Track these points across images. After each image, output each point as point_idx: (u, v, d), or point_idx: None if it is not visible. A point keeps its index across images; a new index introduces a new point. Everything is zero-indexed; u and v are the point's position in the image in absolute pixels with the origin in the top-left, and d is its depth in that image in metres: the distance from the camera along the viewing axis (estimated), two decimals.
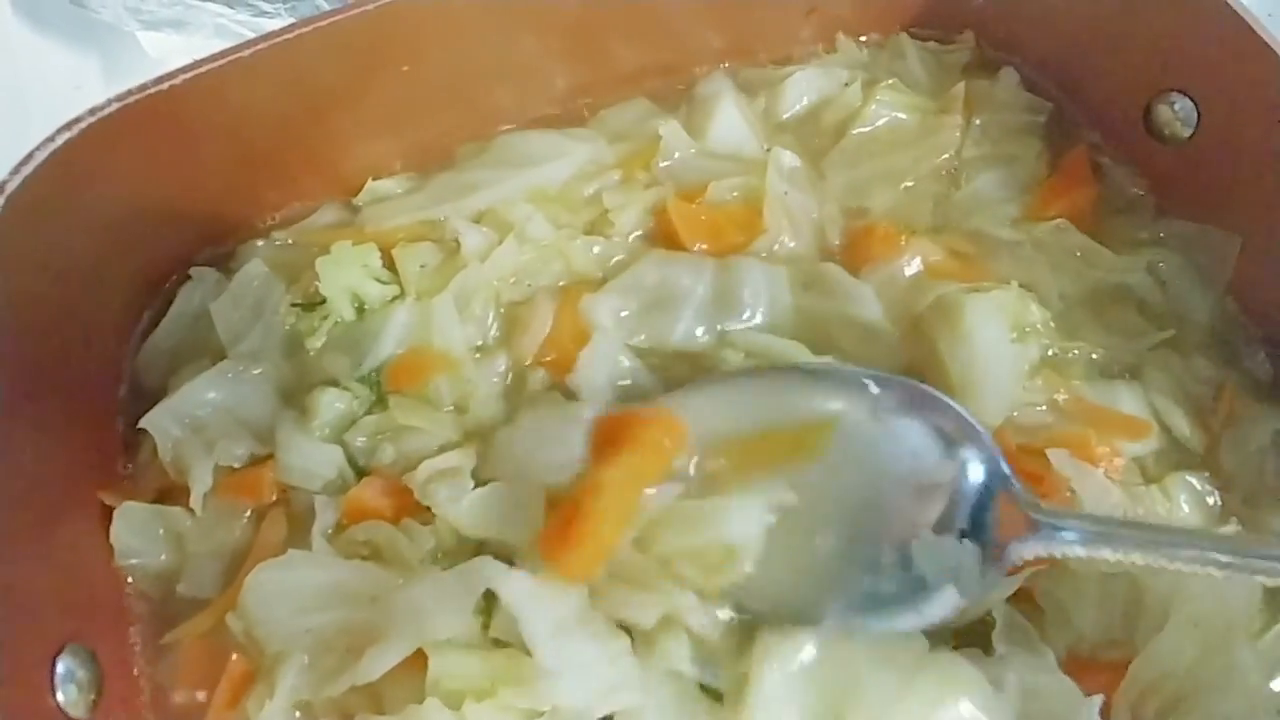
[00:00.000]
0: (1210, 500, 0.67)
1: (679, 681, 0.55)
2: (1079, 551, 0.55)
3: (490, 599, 0.55)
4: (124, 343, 0.71)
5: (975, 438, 0.60)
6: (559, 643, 0.53)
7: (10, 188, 0.56)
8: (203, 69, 0.62)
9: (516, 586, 0.54)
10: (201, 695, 0.61)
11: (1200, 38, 0.71)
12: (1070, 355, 0.72)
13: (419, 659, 0.55)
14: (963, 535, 0.57)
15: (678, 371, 0.69)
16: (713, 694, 0.55)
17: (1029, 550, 0.56)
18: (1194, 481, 0.67)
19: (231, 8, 0.99)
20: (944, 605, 0.56)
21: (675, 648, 0.55)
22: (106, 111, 0.59)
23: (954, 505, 0.58)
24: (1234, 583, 0.60)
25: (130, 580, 0.64)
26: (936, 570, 0.56)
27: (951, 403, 0.62)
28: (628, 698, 0.53)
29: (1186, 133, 0.75)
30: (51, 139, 0.58)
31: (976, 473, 0.59)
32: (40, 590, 0.56)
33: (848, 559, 0.58)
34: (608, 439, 0.61)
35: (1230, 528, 0.65)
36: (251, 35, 0.96)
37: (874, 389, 0.62)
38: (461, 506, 0.59)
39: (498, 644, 0.55)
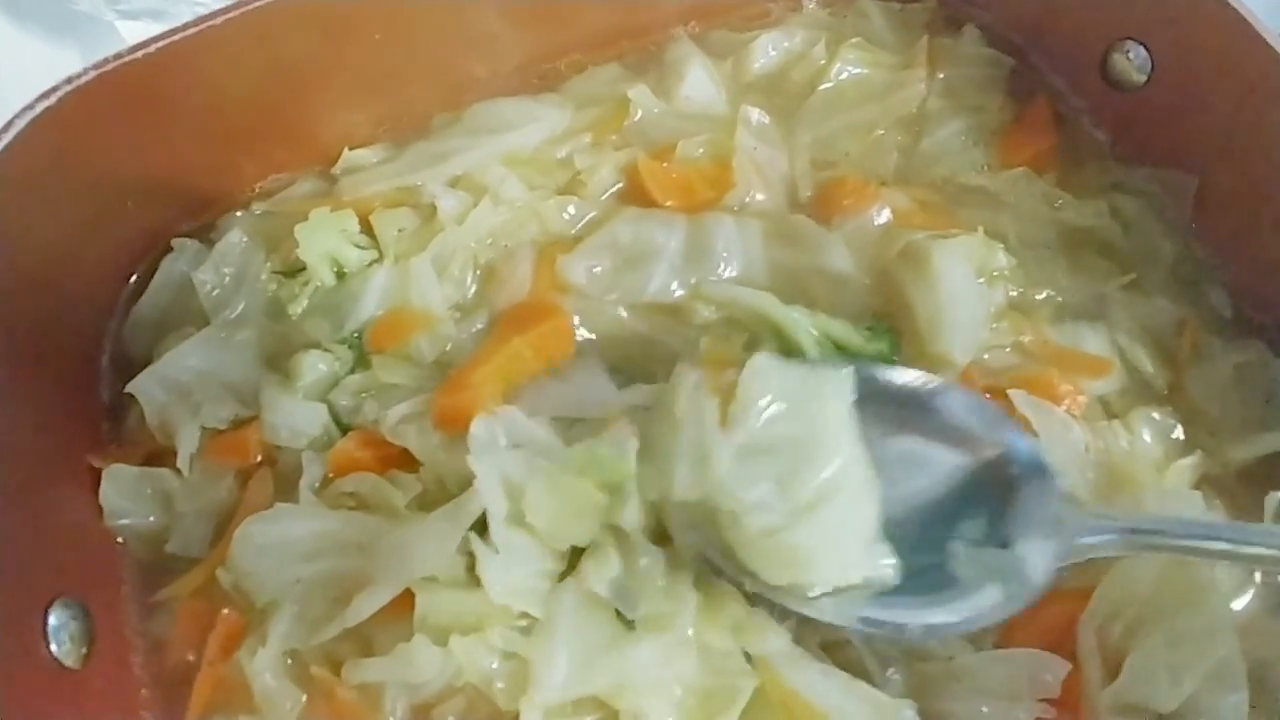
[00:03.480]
0: (1174, 434, 0.69)
1: (593, 605, 0.56)
2: (1124, 551, 0.56)
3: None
4: (106, 312, 0.72)
5: (1018, 438, 0.60)
6: (510, 531, 0.56)
7: None
8: (176, 37, 0.63)
9: (488, 480, 0.57)
10: (193, 650, 0.62)
11: None
12: (1035, 298, 0.74)
13: (406, 605, 0.56)
14: (1003, 543, 0.57)
15: (657, 325, 0.71)
16: (626, 623, 0.56)
17: (1078, 553, 0.56)
18: (1156, 416, 0.69)
19: None
20: (984, 604, 0.55)
21: (597, 570, 0.56)
22: (84, 80, 0.61)
23: (997, 506, 0.58)
24: (1192, 503, 0.63)
25: (120, 540, 0.66)
26: (977, 574, 0.56)
27: (986, 401, 0.62)
28: (533, 605, 0.55)
29: (1141, 79, 0.77)
30: (30, 107, 0.59)
31: (1019, 473, 0.58)
32: (28, 548, 0.57)
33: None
34: (510, 321, 0.69)
35: (1192, 459, 0.67)
36: None
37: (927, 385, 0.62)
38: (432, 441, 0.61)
39: (481, 582, 0.56)
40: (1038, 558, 0.55)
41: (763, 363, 0.58)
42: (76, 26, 1.03)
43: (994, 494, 0.58)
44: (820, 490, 0.55)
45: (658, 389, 0.62)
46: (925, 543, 0.57)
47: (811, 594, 0.55)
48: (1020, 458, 0.59)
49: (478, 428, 0.59)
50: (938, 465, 0.59)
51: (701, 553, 0.57)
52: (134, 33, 1.03)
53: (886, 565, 0.56)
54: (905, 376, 0.62)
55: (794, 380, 0.58)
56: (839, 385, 0.58)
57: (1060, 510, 0.57)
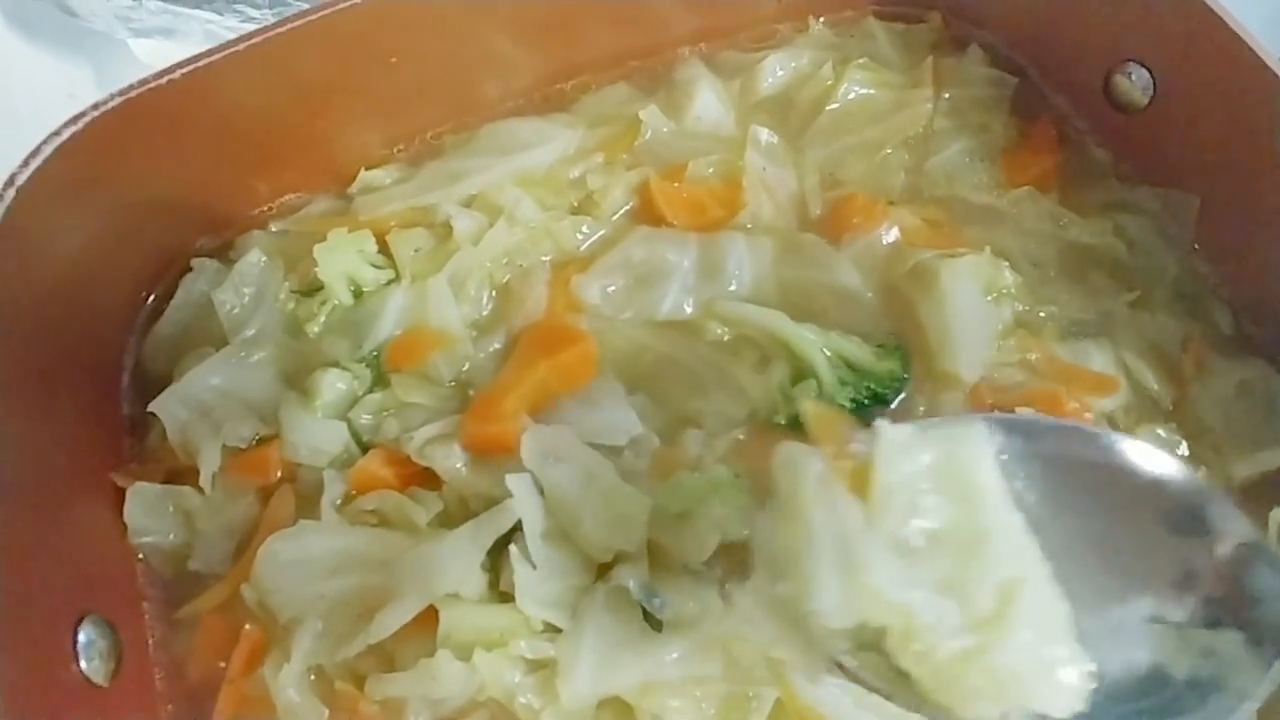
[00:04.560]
0: (1179, 450, 0.70)
1: (621, 605, 0.56)
2: None
3: (497, 556, 0.58)
4: (127, 331, 0.73)
5: (1208, 498, 0.50)
6: (546, 546, 0.56)
7: (20, 180, 0.58)
8: (200, 63, 0.64)
9: (524, 492, 0.57)
10: (217, 666, 0.63)
11: (1154, 9, 0.75)
12: (1042, 316, 0.75)
13: (429, 621, 0.57)
14: (1214, 621, 0.47)
15: (671, 342, 0.72)
16: (654, 624, 0.56)
17: None
18: (1161, 433, 0.70)
19: (220, 14, 1.01)
20: (1218, 711, 0.46)
21: (630, 570, 0.56)
22: (110, 105, 0.62)
23: (1198, 583, 0.48)
24: None
25: (142, 557, 0.66)
26: (1190, 667, 0.47)
27: (1169, 460, 0.51)
28: (561, 618, 0.56)
29: (1144, 101, 0.78)
30: (58, 133, 0.60)
31: (1225, 540, 0.48)
32: (56, 565, 0.58)
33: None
34: (532, 343, 0.68)
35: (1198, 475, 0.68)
36: None
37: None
38: (459, 463, 0.62)
39: (505, 598, 0.57)
40: (1266, 638, 0.45)
41: (895, 434, 0.46)
42: (89, 44, 1.05)
43: (1180, 565, 0.47)
44: (1003, 590, 0.44)
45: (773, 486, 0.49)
46: (1114, 640, 0.47)
47: None
48: (1209, 513, 0.48)
49: (528, 440, 0.59)
50: (1099, 534, 0.48)
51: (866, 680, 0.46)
52: (146, 50, 1.04)
53: (1089, 675, 0.44)
54: (1044, 424, 0.52)
55: (933, 447, 0.47)
56: (980, 444, 0.47)
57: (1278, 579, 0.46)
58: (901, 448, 0.46)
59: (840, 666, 0.47)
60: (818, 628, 0.45)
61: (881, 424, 0.47)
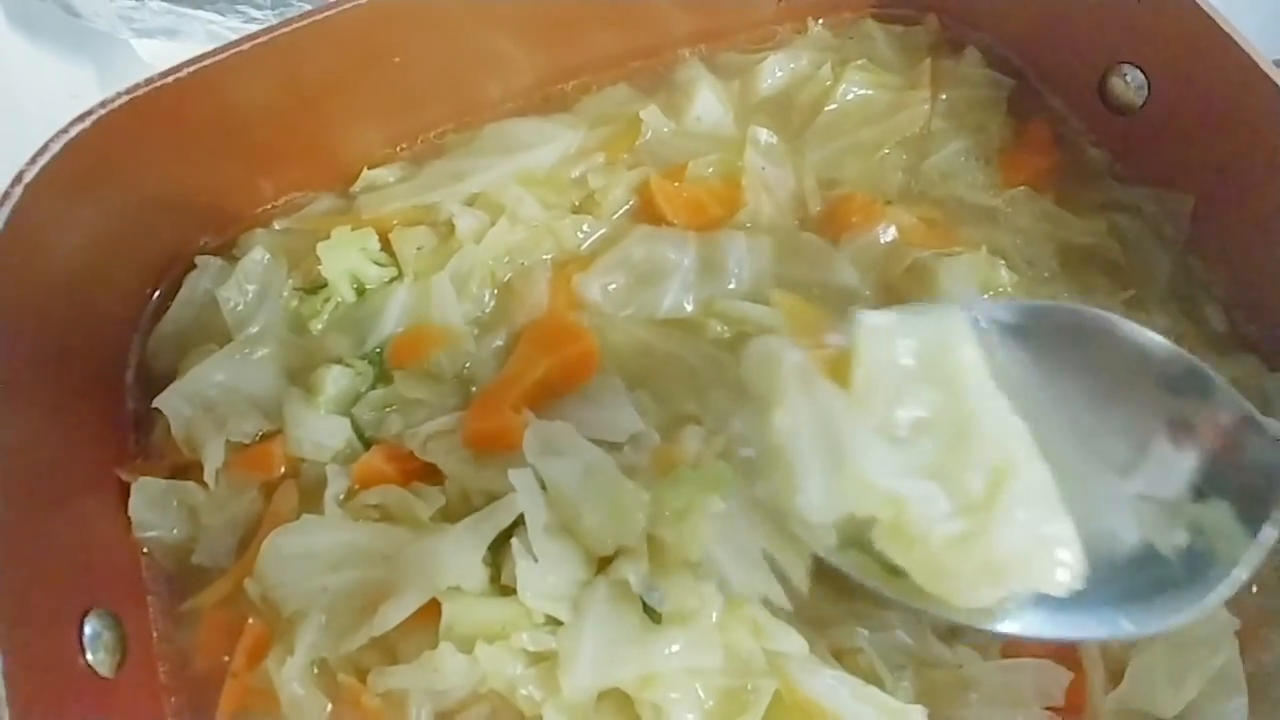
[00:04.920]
0: None
1: (621, 598, 0.56)
2: None
3: (499, 550, 0.59)
4: (132, 328, 0.74)
5: (1197, 372, 0.49)
6: (548, 540, 0.56)
7: (28, 177, 0.59)
8: (205, 63, 0.65)
9: (526, 486, 0.57)
10: (221, 660, 0.63)
11: (1149, 11, 0.75)
12: None
13: (431, 614, 0.58)
14: (1201, 494, 0.47)
15: (671, 340, 0.72)
16: (654, 616, 0.57)
17: None
18: None
19: (223, 15, 1.02)
20: (1209, 581, 0.46)
21: (630, 564, 0.56)
22: (116, 104, 0.62)
23: (1187, 458, 0.47)
24: None
25: (146, 551, 0.67)
26: (1178, 539, 0.46)
27: (1156, 337, 0.50)
28: (562, 610, 0.56)
29: (1139, 102, 0.79)
30: (65, 130, 0.61)
31: (1212, 412, 0.48)
32: (62, 558, 0.59)
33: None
34: (533, 340, 0.68)
35: None
36: None
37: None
38: (461, 459, 0.62)
39: (506, 591, 0.57)
40: (1254, 509, 0.45)
41: (875, 320, 0.45)
42: (92, 44, 1.05)
43: (1168, 440, 0.46)
44: (994, 472, 0.42)
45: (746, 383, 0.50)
46: (1104, 517, 0.46)
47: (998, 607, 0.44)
48: (1198, 387, 0.47)
49: (530, 436, 0.59)
50: (1088, 413, 0.47)
51: (860, 583, 0.46)
52: (149, 50, 1.05)
53: (1079, 554, 0.43)
54: (1031, 306, 0.50)
55: (913, 334, 0.46)
56: (961, 329, 0.46)
57: (1267, 449, 0.45)
58: (881, 335, 0.45)
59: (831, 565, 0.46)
60: (803, 525, 0.44)
61: (860, 312, 0.45)
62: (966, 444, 0.43)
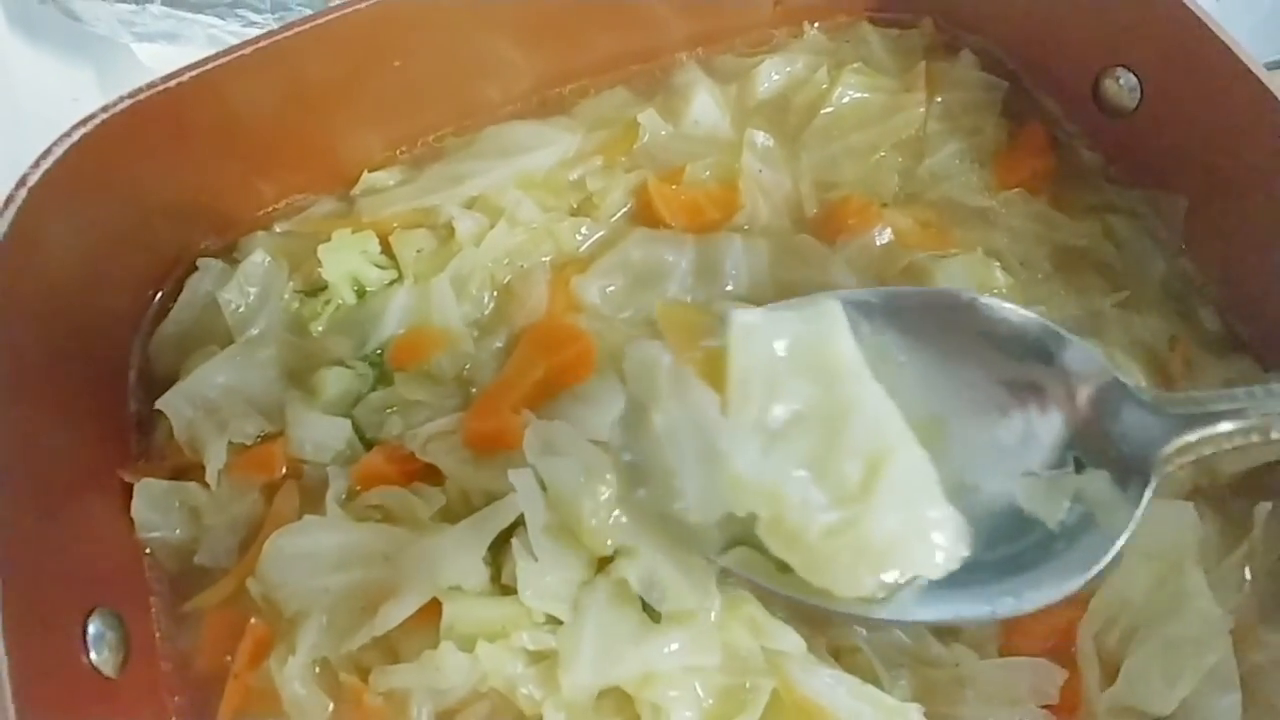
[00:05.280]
0: None
1: (621, 597, 0.56)
2: (1238, 439, 0.47)
3: (499, 550, 0.59)
4: (133, 330, 0.74)
5: (1066, 344, 0.49)
6: (547, 539, 0.56)
7: (32, 180, 0.59)
8: (207, 67, 0.66)
9: (526, 487, 0.57)
10: (223, 659, 0.63)
11: (1142, 15, 0.76)
12: None
13: (432, 614, 0.58)
14: (1080, 465, 0.48)
15: None
16: (654, 615, 0.57)
17: (1179, 455, 0.47)
18: None
19: (223, 19, 1.02)
20: (1092, 550, 0.47)
21: (629, 562, 0.56)
22: (118, 108, 0.63)
23: (1064, 430, 0.48)
24: (1183, 514, 0.65)
25: (149, 552, 0.67)
26: (1062, 512, 0.47)
27: (1025, 312, 0.51)
28: (562, 610, 0.56)
29: (1132, 105, 0.80)
30: (68, 134, 0.61)
31: (1085, 382, 0.48)
32: (67, 558, 0.59)
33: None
34: (532, 342, 0.69)
35: (1184, 471, 0.69)
36: None
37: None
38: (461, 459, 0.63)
39: (506, 591, 0.58)
40: (1132, 475, 0.45)
41: (746, 319, 0.46)
42: (93, 49, 1.06)
43: (1044, 414, 0.47)
44: (870, 461, 0.43)
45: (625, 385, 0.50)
46: (986, 495, 0.47)
47: (883, 595, 0.44)
48: (1068, 358, 0.47)
49: (530, 436, 0.59)
50: (966, 394, 0.48)
51: (747, 581, 0.47)
52: (149, 54, 1.06)
53: (963, 533, 0.45)
54: (899, 292, 0.52)
55: (786, 330, 0.46)
56: (834, 320, 0.46)
57: (1141, 415, 0.46)
58: (754, 332, 0.45)
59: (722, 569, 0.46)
60: (685, 527, 0.44)
61: (730, 310, 0.46)
62: (842, 435, 0.44)
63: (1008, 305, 0.52)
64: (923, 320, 0.50)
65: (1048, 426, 0.48)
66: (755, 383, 0.45)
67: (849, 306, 0.48)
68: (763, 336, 0.46)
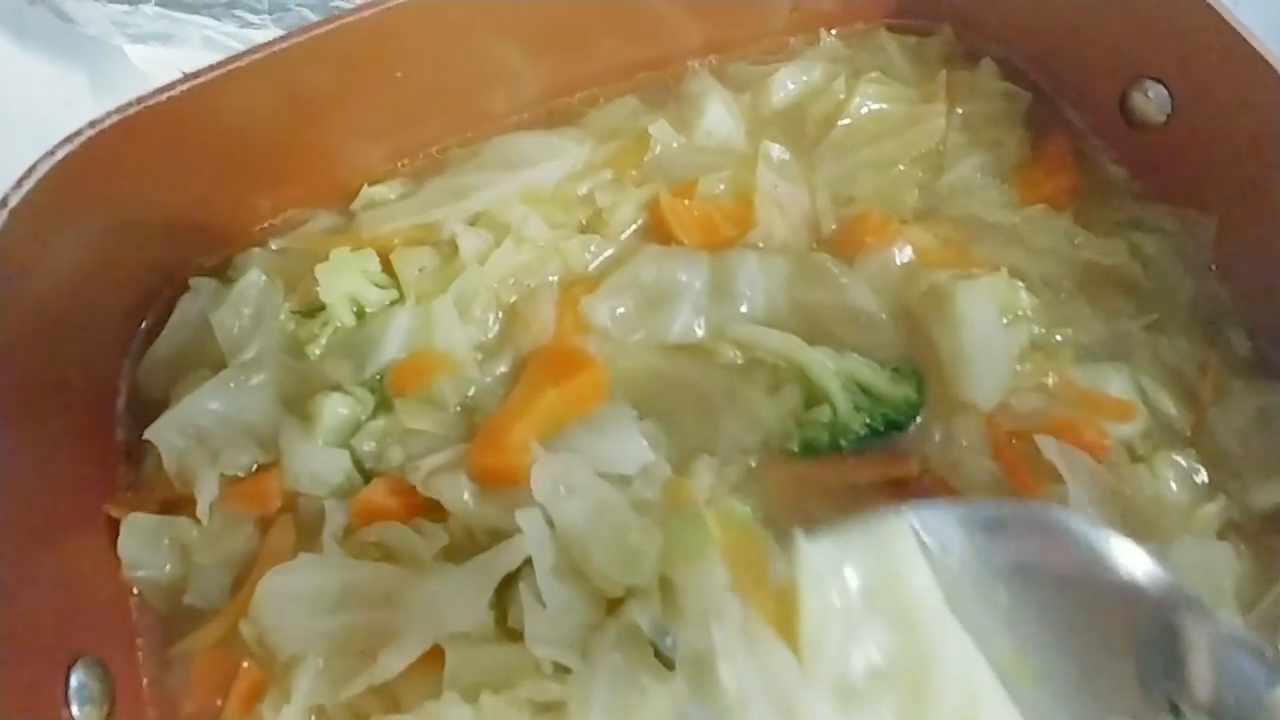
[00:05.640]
0: (1197, 478, 0.68)
1: (632, 644, 0.54)
2: None
3: (504, 591, 0.56)
4: (122, 354, 0.71)
5: (1165, 580, 0.47)
6: (556, 583, 0.54)
7: (13, 201, 0.56)
8: (200, 80, 0.63)
9: (534, 528, 0.55)
10: (213, 705, 0.61)
11: (1172, 25, 0.73)
12: (1057, 339, 0.73)
13: (435, 659, 0.56)
14: (1177, 710, 0.45)
15: (681, 366, 0.70)
16: (666, 662, 0.54)
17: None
18: (1180, 460, 0.68)
19: (218, 20, 1.00)
20: None
21: (641, 607, 0.54)
22: (106, 124, 0.60)
23: (1159, 672, 0.45)
24: (1221, 554, 0.62)
25: (136, 592, 0.64)
26: None
27: (1119, 539, 0.47)
28: (571, 658, 0.54)
29: (1162, 119, 0.77)
30: (52, 152, 0.58)
31: (1183, 624, 0.46)
32: (50, 605, 0.57)
33: None
34: (540, 368, 0.66)
35: (1217, 504, 0.66)
36: (238, 46, 0.98)
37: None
38: (465, 494, 0.60)
39: (513, 636, 0.55)
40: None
41: (814, 551, 0.43)
42: (85, 51, 1.03)
43: (1137, 654, 0.45)
44: (962, 715, 0.41)
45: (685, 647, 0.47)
46: None
47: None
48: (1166, 595, 0.45)
49: (539, 473, 0.57)
50: (1050, 627, 0.45)
51: None
52: (142, 56, 1.02)
53: None
54: (983, 512, 0.48)
55: (858, 561, 0.44)
56: (909, 550, 0.44)
57: (1245, 660, 0.44)
58: (826, 569, 0.43)
59: None
60: None
61: (800, 542, 0.43)
62: (927, 691, 0.41)
63: (1103, 530, 0.48)
64: (1002, 539, 0.47)
65: (1141, 667, 0.46)
66: (832, 631, 0.42)
67: (924, 520, 0.45)
68: (835, 572, 0.43)
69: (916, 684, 0.42)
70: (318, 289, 0.69)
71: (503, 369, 0.70)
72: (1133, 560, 0.47)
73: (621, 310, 0.72)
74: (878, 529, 0.45)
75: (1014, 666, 0.43)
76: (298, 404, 0.68)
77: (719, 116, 0.82)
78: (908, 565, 0.44)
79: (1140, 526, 0.65)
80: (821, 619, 0.42)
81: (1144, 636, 0.46)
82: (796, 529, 0.44)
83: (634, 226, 0.77)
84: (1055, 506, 0.49)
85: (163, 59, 1.00)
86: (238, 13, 1.00)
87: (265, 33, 0.98)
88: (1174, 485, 0.67)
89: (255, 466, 0.66)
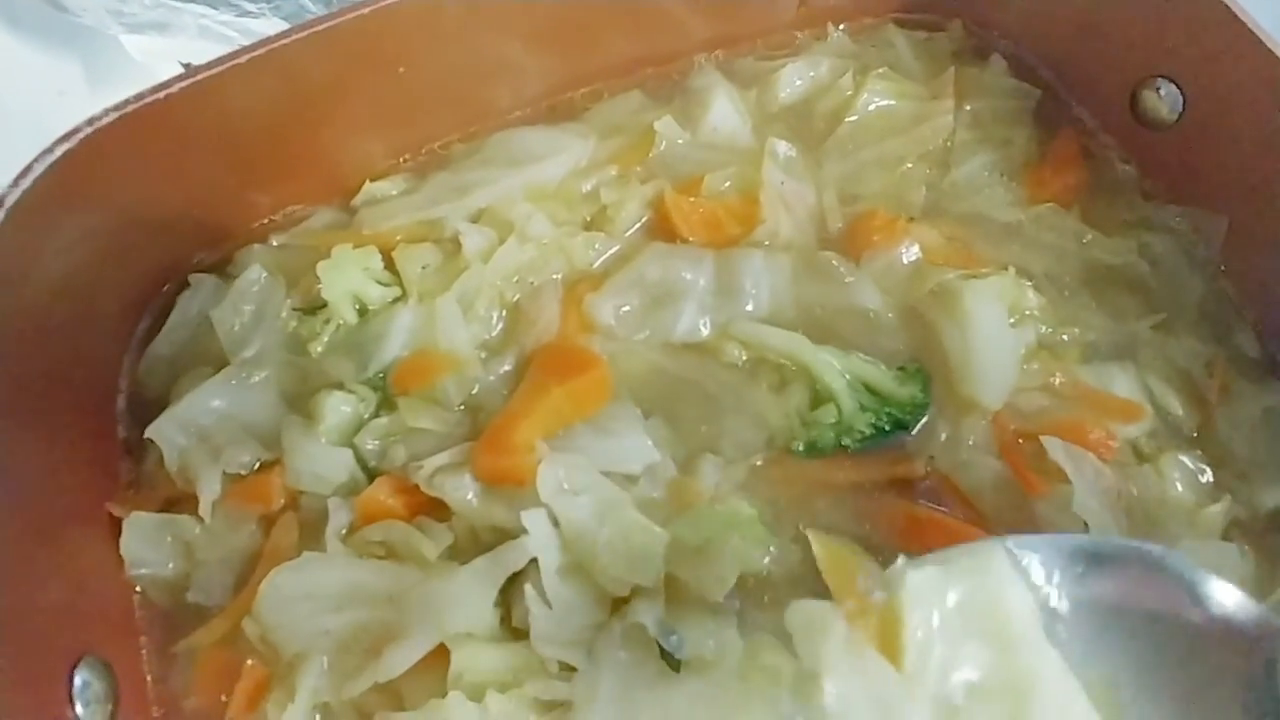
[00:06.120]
0: (1203, 479, 0.68)
1: (637, 643, 0.54)
2: None
3: (509, 589, 0.56)
4: (122, 351, 0.71)
5: (1254, 612, 0.46)
6: (562, 584, 0.54)
7: (10, 200, 0.55)
8: (200, 76, 0.62)
9: (540, 529, 0.55)
10: (217, 702, 0.60)
11: (1184, 23, 0.72)
12: (1064, 338, 0.73)
13: (439, 656, 0.55)
14: None
15: (686, 365, 0.70)
16: (671, 662, 0.54)
17: None
18: (1186, 460, 0.68)
19: (215, 8, 0.98)
20: None
21: (646, 607, 0.54)
22: (104, 122, 0.59)
23: (1249, 702, 0.45)
24: (1226, 554, 0.62)
25: (138, 590, 0.64)
26: None
27: (1213, 578, 0.47)
28: (576, 658, 0.54)
29: (1173, 117, 0.76)
30: (50, 150, 0.57)
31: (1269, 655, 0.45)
32: (53, 604, 0.56)
33: None
34: (544, 366, 0.66)
35: (1222, 505, 0.66)
36: (236, 35, 0.97)
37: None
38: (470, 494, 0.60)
39: (518, 635, 0.55)
40: None
41: (918, 577, 0.44)
42: (80, 40, 1.01)
43: (1226, 683, 0.45)
44: None
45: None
46: None
47: None
48: (1253, 623, 0.45)
49: (545, 473, 0.57)
50: (1138, 654, 0.46)
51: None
52: (138, 45, 1.01)
53: None
54: (1075, 542, 0.48)
55: (957, 584, 0.44)
56: (1006, 574, 0.45)
57: None
58: (926, 592, 0.44)
59: None
60: None
61: (902, 567, 0.44)
62: (1026, 711, 0.43)
63: (1221, 584, 0.48)
64: (1099, 572, 0.47)
65: (1230, 695, 0.46)
66: (934, 651, 0.43)
67: (1023, 549, 0.46)
68: (935, 595, 0.45)
69: (1016, 703, 0.43)
70: (319, 286, 0.69)
71: (506, 368, 0.69)
72: (1233, 601, 0.47)
73: (626, 308, 0.71)
74: (978, 555, 0.46)
75: (1106, 700, 0.44)
76: (300, 402, 0.68)
77: (725, 112, 0.81)
78: (1007, 592, 0.45)
79: (1145, 527, 0.65)
80: (922, 641, 0.43)
81: (1249, 679, 0.46)
82: (900, 555, 0.46)
83: (639, 224, 0.77)
84: (1154, 545, 0.49)
85: (159, 48, 0.99)
86: (235, 1, 0.99)
87: (263, 21, 0.97)
88: (1180, 486, 0.67)
89: (257, 464, 0.66)
